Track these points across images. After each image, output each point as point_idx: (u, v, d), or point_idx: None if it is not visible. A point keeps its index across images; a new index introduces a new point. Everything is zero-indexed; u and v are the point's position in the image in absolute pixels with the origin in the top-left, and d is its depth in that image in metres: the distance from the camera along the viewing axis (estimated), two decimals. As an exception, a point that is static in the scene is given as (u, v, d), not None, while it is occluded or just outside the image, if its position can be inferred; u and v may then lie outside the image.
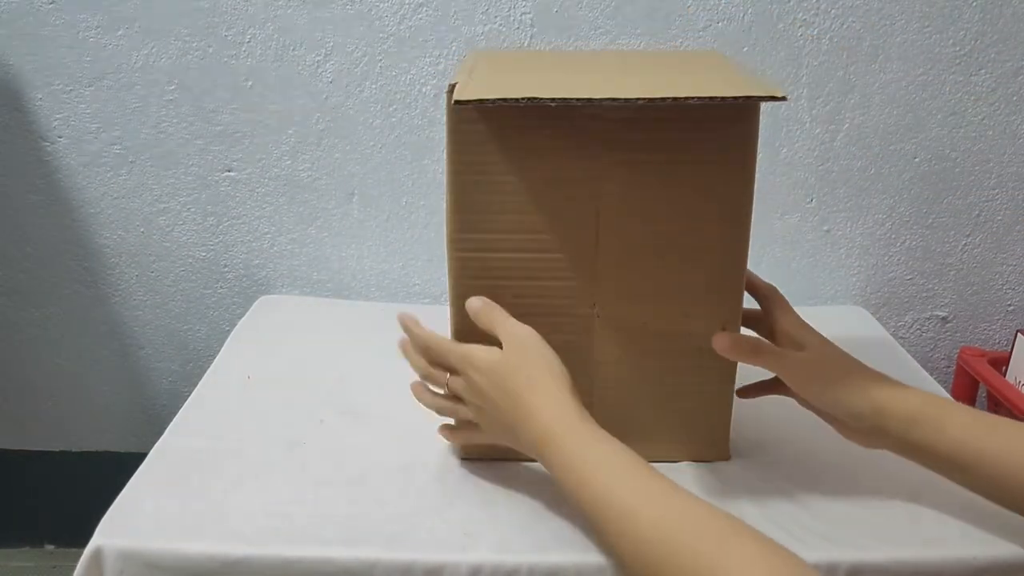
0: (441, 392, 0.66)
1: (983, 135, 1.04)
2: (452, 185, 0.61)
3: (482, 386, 0.60)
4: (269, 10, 0.98)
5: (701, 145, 0.60)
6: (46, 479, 1.24)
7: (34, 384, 1.19)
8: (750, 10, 0.98)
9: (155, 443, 0.73)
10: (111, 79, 1.01)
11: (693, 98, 0.52)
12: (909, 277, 1.10)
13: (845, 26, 0.99)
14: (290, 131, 1.03)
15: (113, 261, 1.11)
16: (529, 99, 0.52)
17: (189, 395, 0.83)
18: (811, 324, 0.67)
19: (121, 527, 0.62)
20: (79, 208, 1.08)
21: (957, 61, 1.00)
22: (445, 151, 0.61)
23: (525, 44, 0.99)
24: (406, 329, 0.66)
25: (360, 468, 0.71)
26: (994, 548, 0.62)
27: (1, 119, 1.03)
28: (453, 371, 0.63)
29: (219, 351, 0.92)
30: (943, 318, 1.13)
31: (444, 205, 0.62)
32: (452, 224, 0.63)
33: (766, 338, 0.67)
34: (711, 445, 0.71)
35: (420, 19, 0.98)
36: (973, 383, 1.07)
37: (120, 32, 0.99)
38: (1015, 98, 1.02)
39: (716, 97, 0.52)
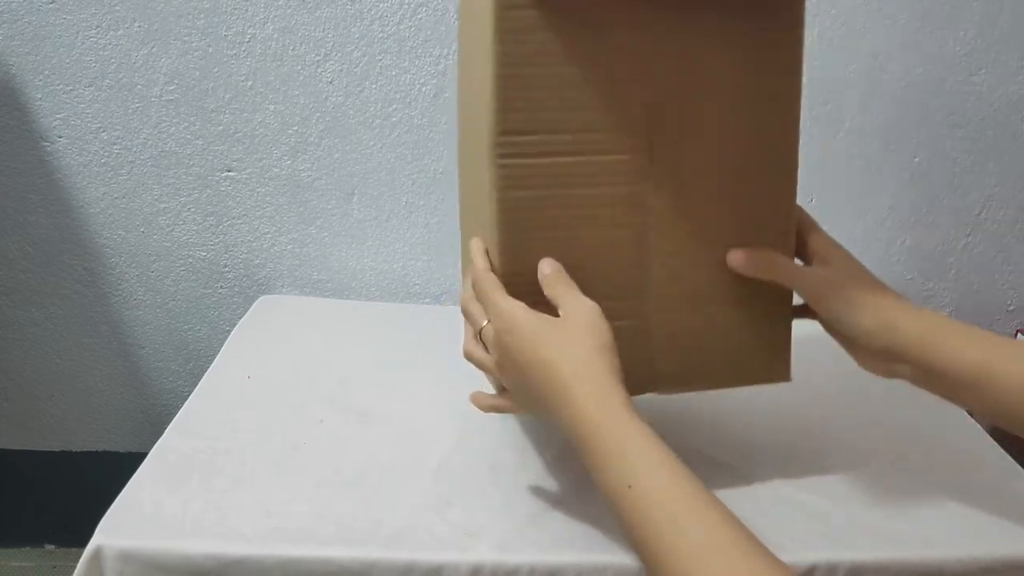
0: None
1: (983, 135, 1.03)
2: (499, 80, 0.56)
3: (514, 351, 0.55)
4: (269, 10, 0.98)
5: (756, 19, 0.59)
6: (46, 479, 1.24)
7: (34, 384, 1.18)
8: (750, 10, 0.98)
9: (155, 443, 0.73)
10: (111, 79, 1.01)
11: None
12: (909, 277, 1.10)
13: (845, 26, 0.99)
14: (290, 131, 1.03)
15: (113, 261, 1.11)
16: None
17: (189, 395, 0.83)
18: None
19: (121, 527, 0.62)
20: (79, 208, 1.08)
21: (957, 61, 1.00)
22: (491, 45, 0.56)
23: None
24: (472, 254, 0.62)
25: (360, 468, 0.71)
26: (994, 548, 0.62)
27: (1, 119, 1.03)
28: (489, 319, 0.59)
29: (219, 351, 0.92)
30: (943, 318, 1.13)
31: (484, 102, 0.58)
32: (496, 127, 0.57)
33: (797, 254, 0.66)
34: (771, 366, 0.67)
35: (420, 19, 0.98)
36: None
37: (120, 32, 0.99)
38: (1015, 98, 1.02)
39: None
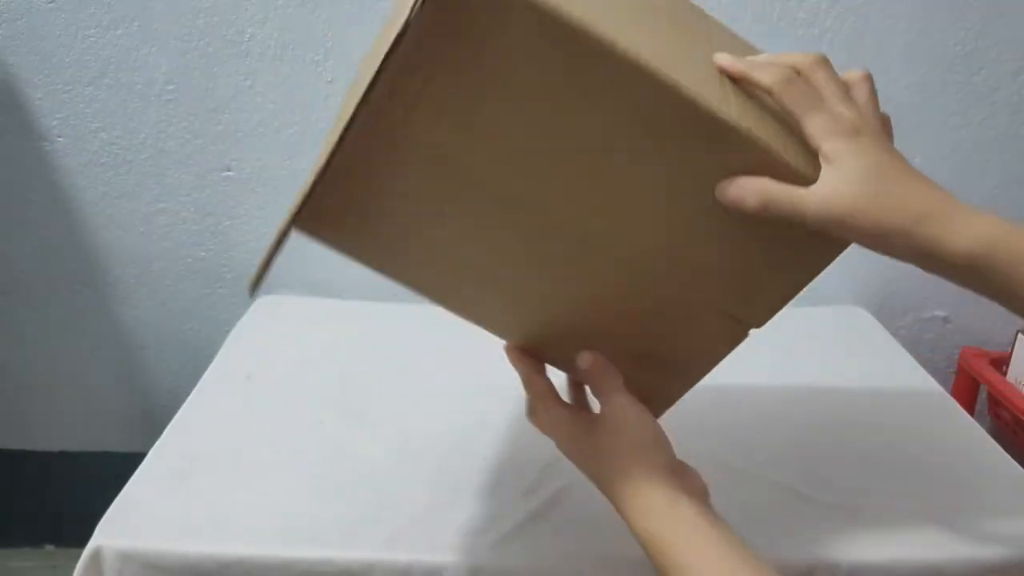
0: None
1: (984, 135, 1.03)
2: (385, 274, 0.58)
3: (573, 458, 0.56)
4: (269, 10, 0.98)
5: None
6: (46, 479, 1.24)
7: (34, 384, 1.18)
8: (750, 10, 0.98)
9: (155, 443, 0.73)
10: (111, 79, 1.01)
11: None
12: (909, 277, 1.10)
13: (846, 26, 0.98)
14: (290, 131, 1.03)
15: (113, 261, 1.11)
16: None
17: (189, 395, 0.83)
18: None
19: (121, 527, 0.62)
20: (79, 208, 1.08)
21: (958, 61, 1.00)
22: None
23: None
24: (508, 355, 0.60)
25: (360, 468, 0.71)
26: (994, 548, 0.62)
27: (1, 119, 1.03)
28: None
29: (219, 351, 0.92)
30: (943, 318, 1.13)
31: None
32: (440, 303, 0.57)
33: None
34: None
35: (420, 19, 0.98)
36: (973, 383, 1.07)
37: (119, 31, 0.99)
38: (1015, 99, 1.02)
39: None
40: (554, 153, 0.49)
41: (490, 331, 0.58)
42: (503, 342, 0.59)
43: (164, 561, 0.60)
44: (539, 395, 0.57)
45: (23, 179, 1.06)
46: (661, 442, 0.54)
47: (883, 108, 0.67)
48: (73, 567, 0.60)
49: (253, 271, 0.47)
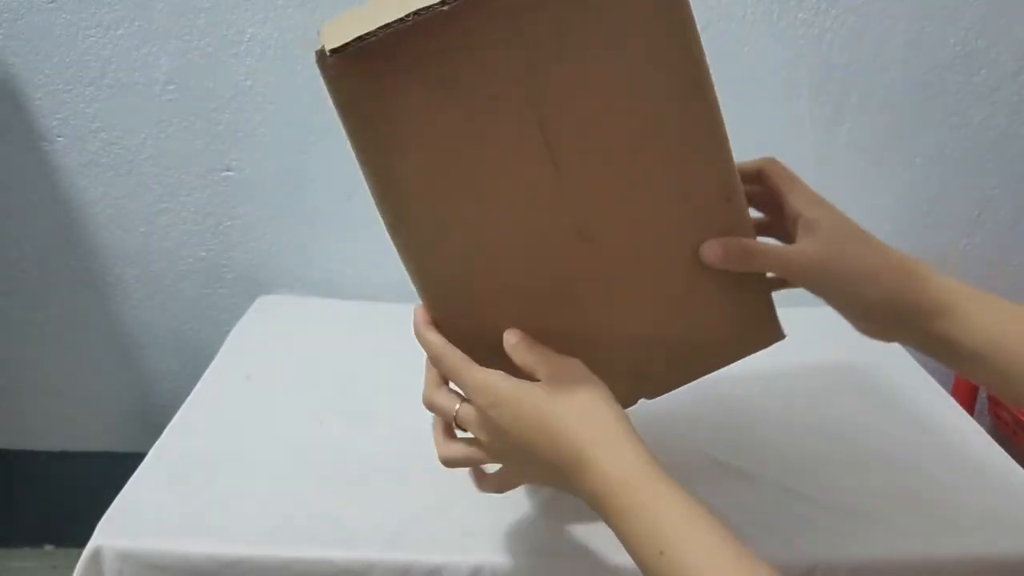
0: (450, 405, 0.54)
1: (983, 135, 1.03)
2: (371, 173, 0.55)
3: (507, 425, 0.49)
4: (269, 10, 0.98)
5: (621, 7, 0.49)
6: (46, 479, 1.24)
7: (34, 384, 1.18)
8: (750, 9, 0.98)
9: (155, 443, 0.73)
10: (111, 79, 1.01)
11: None
12: (909, 277, 1.10)
13: (845, 26, 0.99)
14: (290, 131, 1.03)
15: (113, 261, 1.11)
16: (400, 19, 0.45)
17: (189, 395, 0.83)
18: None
19: (120, 527, 0.62)
20: (79, 208, 1.07)
21: (958, 61, 1.00)
22: (349, 143, 0.54)
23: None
24: (417, 330, 0.55)
25: (359, 468, 0.71)
26: (994, 548, 0.62)
27: (1, 119, 1.03)
28: (464, 399, 0.52)
29: (219, 351, 0.92)
30: (943, 318, 1.13)
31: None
32: (392, 225, 0.55)
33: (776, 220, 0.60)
34: (761, 333, 0.61)
35: (420, 19, 0.98)
36: (973, 383, 1.07)
37: (120, 31, 0.99)
38: (1015, 99, 1.02)
39: None
40: (600, 105, 0.51)
41: (425, 281, 0.55)
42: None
43: (164, 561, 0.60)
44: (457, 361, 0.52)
45: (23, 179, 1.06)
46: (618, 406, 0.50)
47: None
48: (73, 567, 0.60)
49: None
